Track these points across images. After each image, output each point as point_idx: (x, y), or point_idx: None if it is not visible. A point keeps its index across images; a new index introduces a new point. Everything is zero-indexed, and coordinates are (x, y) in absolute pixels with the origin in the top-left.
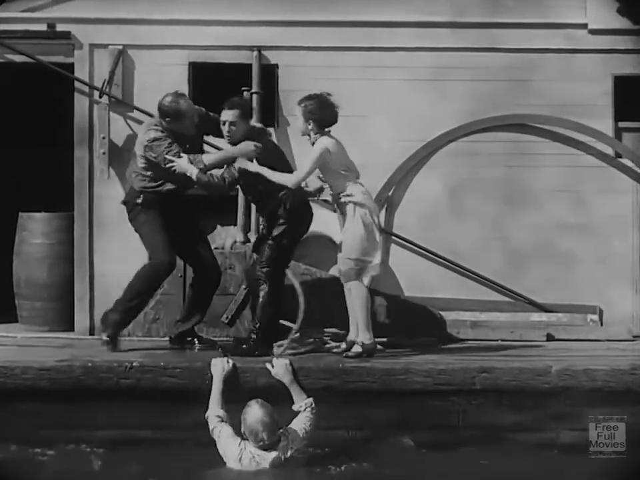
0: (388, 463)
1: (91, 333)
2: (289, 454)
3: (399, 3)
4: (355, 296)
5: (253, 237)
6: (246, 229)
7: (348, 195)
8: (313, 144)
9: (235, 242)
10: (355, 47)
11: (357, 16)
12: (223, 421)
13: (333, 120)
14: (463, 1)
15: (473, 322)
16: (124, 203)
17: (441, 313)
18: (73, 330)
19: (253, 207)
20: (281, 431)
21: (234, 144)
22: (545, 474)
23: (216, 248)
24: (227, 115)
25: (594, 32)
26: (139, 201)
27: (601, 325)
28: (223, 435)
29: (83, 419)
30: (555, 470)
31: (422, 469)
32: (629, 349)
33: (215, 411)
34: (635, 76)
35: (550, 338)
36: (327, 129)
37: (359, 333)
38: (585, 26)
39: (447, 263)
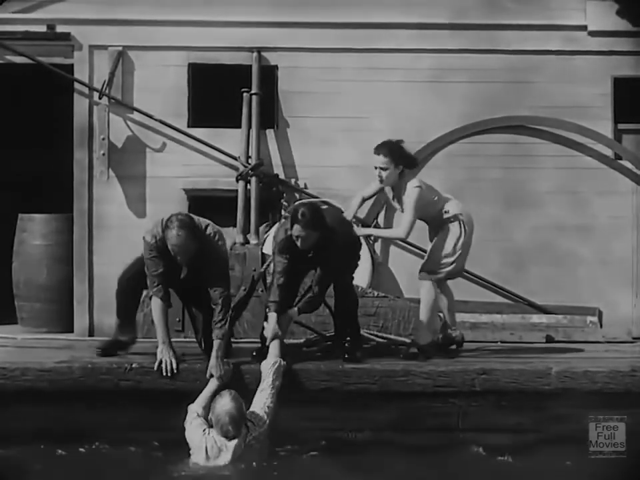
0: (387, 464)
1: (91, 334)
2: (247, 440)
3: (399, 4)
4: (424, 295)
5: (252, 239)
6: (245, 231)
7: (447, 212)
8: (393, 188)
9: (235, 243)
10: (355, 49)
11: (357, 17)
12: (199, 416)
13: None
14: (463, 3)
15: (472, 323)
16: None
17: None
18: (73, 331)
19: (253, 208)
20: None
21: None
22: (545, 475)
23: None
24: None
25: (593, 34)
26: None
27: (601, 326)
28: (193, 424)
29: (83, 420)
30: (555, 470)
31: (422, 471)
32: (629, 350)
33: (197, 406)
34: (634, 77)
35: (550, 340)
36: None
37: (419, 332)
38: (584, 28)
39: None
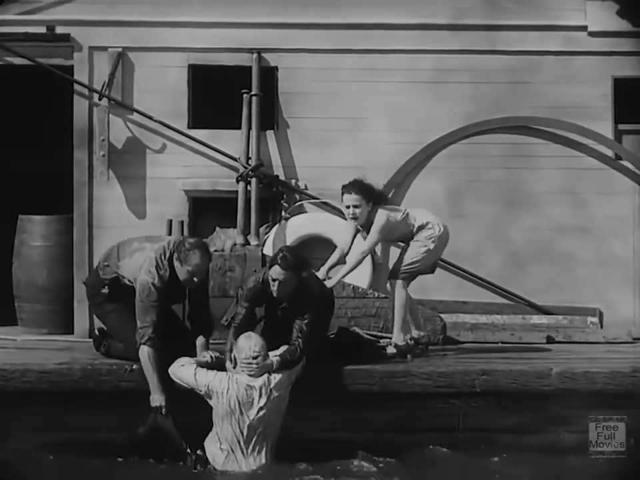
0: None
1: (91, 335)
2: (271, 383)
3: (399, 5)
4: (396, 295)
5: (252, 240)
6: (245, 232)
7: (415, 225)
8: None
9: (235, 244)
10: (355, 50)
11: (357, 18)
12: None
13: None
14: (463, 3)
15: (472, 324)
16: (85, 284)
17: (440, 315)
18: (73, 332)
19: (253, 209)
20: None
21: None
22: (545, 475)
23: (215, 250)
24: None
25: (594, 34)
26: (104, 290)
27: (601, 327)
28: (208, 372)
29: (83, 421)
30: (555, 471)
31: (421, 471)
32: (629, 351)
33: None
34: (634, 78)
35: (550, 340)
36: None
37: (394, 333)
38: (584, 28)
39: (447, 265)
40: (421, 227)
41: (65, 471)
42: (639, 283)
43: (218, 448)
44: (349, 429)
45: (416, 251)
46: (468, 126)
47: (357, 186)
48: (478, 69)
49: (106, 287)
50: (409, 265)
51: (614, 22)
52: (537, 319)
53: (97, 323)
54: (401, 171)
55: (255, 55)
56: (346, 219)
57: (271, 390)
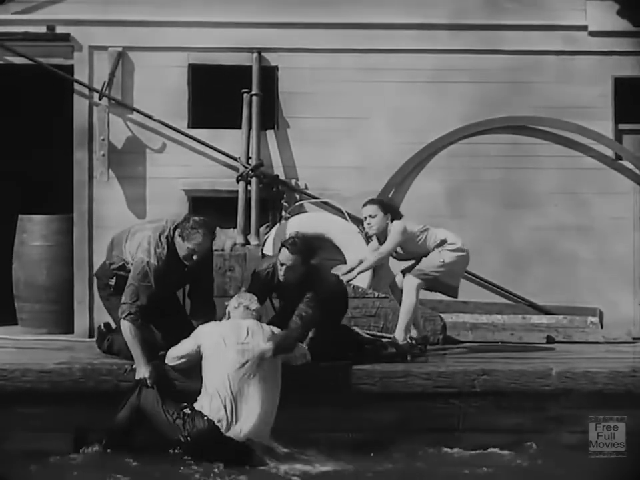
0: (388, 464)
1: (91, 335)
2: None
3: (399, 4)
4: (406, 293)
5: (252, 240)
6: (245, 232)
7: (441, 244)
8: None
9: (235, 244)
10: (355, 49)
11: (357, 18)
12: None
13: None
14: (463, 3)
15: (472, 324)
16: (96, 276)
17: (440, 315)
18: (73, 332)
19: (253, 209)
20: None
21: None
22: (545, 475)
23: (215, 250)
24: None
25: (594, 34)
26: (112, 282)
27: (601, 327)
28: (200, 329)
29: (83, 421)
30: (555, 471)
31: (421, 471)
32: (629, 351)
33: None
34: (635, 78)
35: (550, 340)
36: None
37: (396, 332)
38: (584, 28)
39: None
40: (442, 242)
41: (65, 472)
42: (639, 283)
43: (205, 393)
44: (349, 429)
45: (436, 257)
46: (468, 126)
47: (375, 199)
48: (478, 68)
49: (114, 277)
50: (427, 267)
51: (614, 22)
52: (536, 318)
53: (101, 319)
54: (401, 170)
55: (255, 55)
56: (347, 219)
57: (255, 333)
